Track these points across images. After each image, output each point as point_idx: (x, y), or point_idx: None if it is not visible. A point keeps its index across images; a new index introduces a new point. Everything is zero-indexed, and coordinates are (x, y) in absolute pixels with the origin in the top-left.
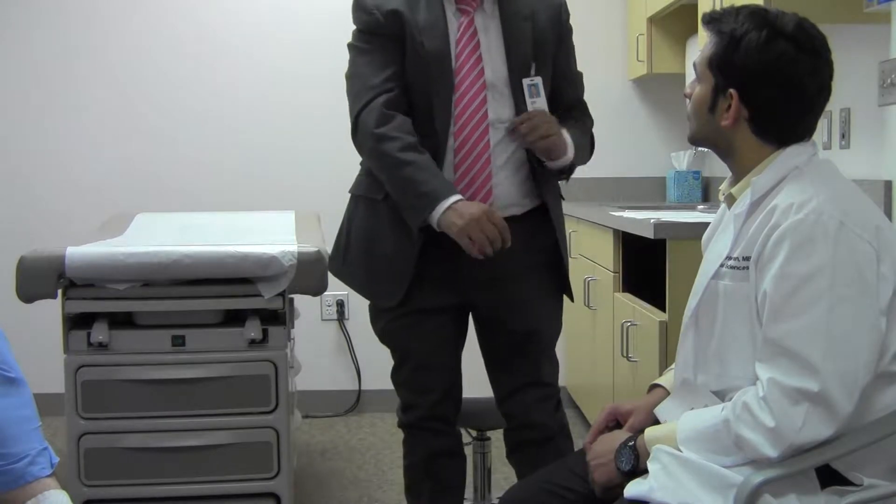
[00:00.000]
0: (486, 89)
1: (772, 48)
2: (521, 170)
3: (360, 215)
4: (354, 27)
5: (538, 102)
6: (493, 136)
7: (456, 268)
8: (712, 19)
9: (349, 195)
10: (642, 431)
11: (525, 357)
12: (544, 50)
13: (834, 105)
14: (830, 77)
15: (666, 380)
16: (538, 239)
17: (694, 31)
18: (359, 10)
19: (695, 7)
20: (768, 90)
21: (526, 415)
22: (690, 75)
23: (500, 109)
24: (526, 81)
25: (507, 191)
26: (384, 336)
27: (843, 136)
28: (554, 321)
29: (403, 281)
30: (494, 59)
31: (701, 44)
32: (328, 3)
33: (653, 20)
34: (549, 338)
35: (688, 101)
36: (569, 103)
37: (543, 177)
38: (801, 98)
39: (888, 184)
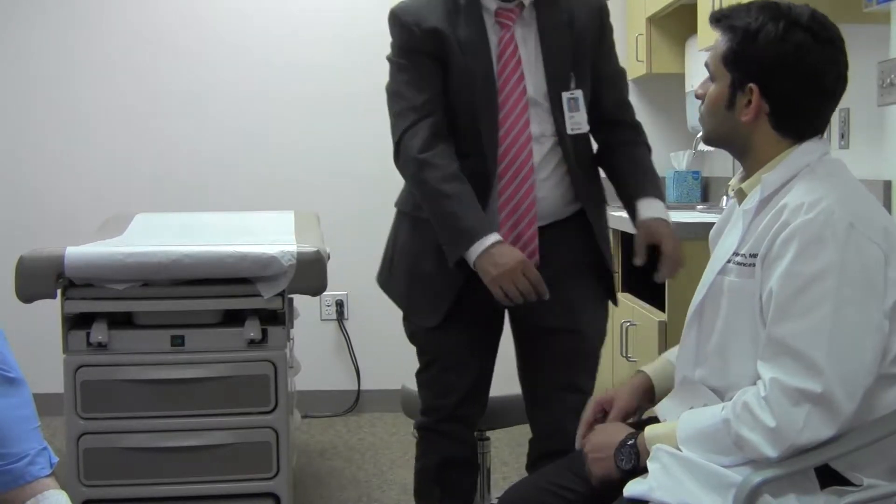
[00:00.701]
0: (528, 105)
1: (789, 39)
2: (562, 181)
3: (405, 232)
4: (392, 41)
5: (577, 117)
6: (537, 150)
7: None
8: (722, 16)
9: (395, 209)
10: (642, 430)
11: (564, 360)
12: (583, 58)
13: None
14: (846, 66)
15: (651, 367)
16: (581, 241)
17: (693, 31)
18: (396, 25)
19: (694, 7)
20: (789, 82)
21: (557, 422)
22: (690, 75)
23: (542, 124)
24: (566, 95)
25: (551, 203)
26: (414, 338)
27: (842, 136)
28: (598, 324)
29: (444, 303)
30: (534, 73)
31: (701, 44)
32: (331, 2)
33: (652, 20)
34: (593, 342)
35: (700, 102)
36: (610, 107)
37: (582, 186)
38: (821, 88)
39: (888, 184)
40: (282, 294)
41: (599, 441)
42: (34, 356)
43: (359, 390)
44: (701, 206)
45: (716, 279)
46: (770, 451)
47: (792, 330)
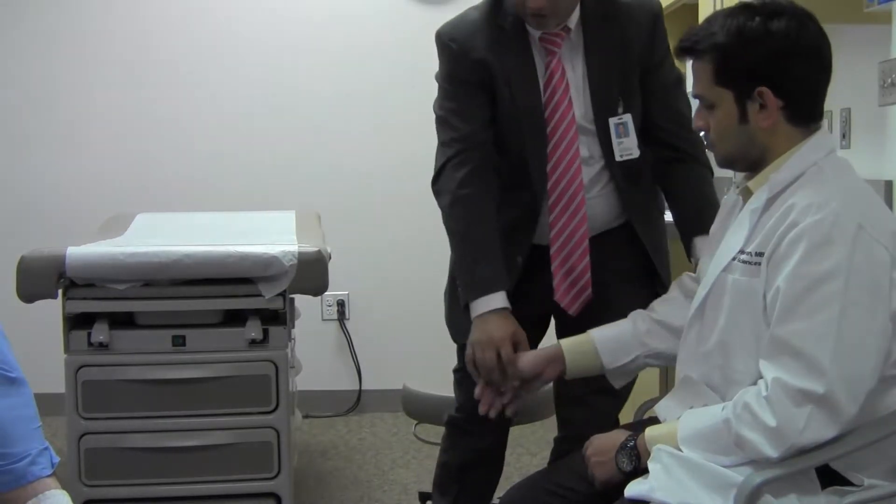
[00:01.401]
0: (578, 132)
1: (775, 28)
2: (611, 197)
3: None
4: (439, 63)
5: (626, 142)
6: (586, 172)
7: (545, 281)
8: (693, 42)
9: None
10: (643, 431)
11: None
12: (632, 76)
13: (834, 105)
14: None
15: (568, 340)
16: (629, 250)
17: None
18: (443, 51)
19: (695, 7)
20: (797, 68)
21: (584, 425)
22: (691, 75)
23: (591, 147)
24: (613, 121)
25: (599, 219)
26: (456, 332)
27: (843, 136)
28: None
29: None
30: (582, 99)
31: None
32: (331, 4)
33: None
34: None
35: (704, 133)
36: (661, 122)
37: (630, 200)
38: (823, 62)
39: (888, 184)
40: (283, 294)
41: (600, 445)
42: (35, 356)
43: (360, 390)
44: None
45: (719, 277)
46: (771, 451)
47: (797, 330)
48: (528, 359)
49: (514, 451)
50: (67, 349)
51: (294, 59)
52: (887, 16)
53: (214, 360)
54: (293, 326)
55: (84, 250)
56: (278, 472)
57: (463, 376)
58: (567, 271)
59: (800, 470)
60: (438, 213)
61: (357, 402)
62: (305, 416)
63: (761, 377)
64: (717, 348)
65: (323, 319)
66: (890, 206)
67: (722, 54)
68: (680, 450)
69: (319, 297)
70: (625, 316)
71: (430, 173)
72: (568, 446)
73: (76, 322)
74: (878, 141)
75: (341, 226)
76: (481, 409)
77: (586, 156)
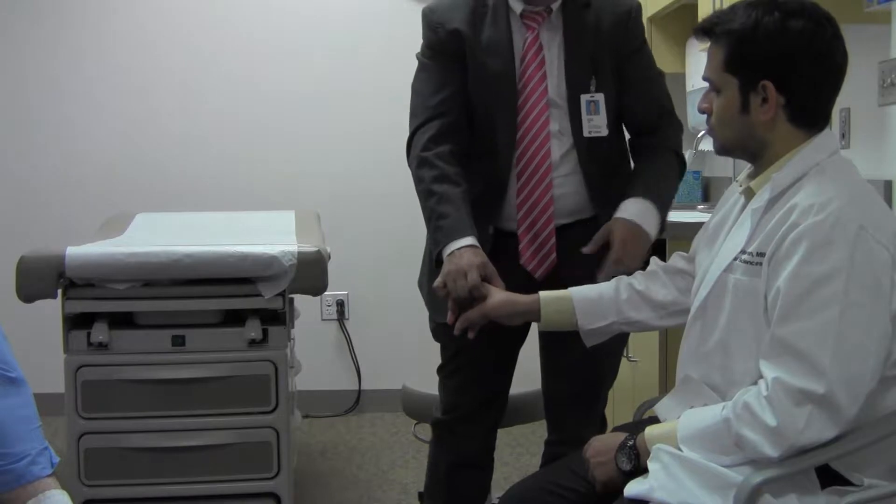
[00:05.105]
0: (549, 105)
1: (791, 27)
2: (579, 184)
3: None
4: (422, 39)
5: (596, 120)
6: (557, 147)
7: (523, 276)
8: (711, 25)
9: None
10: (642, 431)
11: (584, 363)
12: (605, 64)
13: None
14: (843, 40)
15: (546, 294)
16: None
17: None
18: (425, 25)
19: (695, 7)
20: (804, 69)
21: (571, 428)
22: (690, 75)
23: (562, 122)
24: (584, 98)
25: (570, 201)
26: (437, 333)
27: (843, 136)
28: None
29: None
30: (556, 75)
31: (702, 44)
32: (331, 3)
33: (653, 20)
34: (612, 345)
35: (707, 116)
36: (640, 112)
37: (598, 188)
38: (833, 67)
39: (888, 184)
40: (282, 294)
41: (600, 446)
42: (35, 356)
43: (359, 390)
44: (701, 206)
45: (721, 276)
46: (771, 451)
47: (798, 330)
48: (499, 303)
49: (514, 451)
50: (67, 349)
51: (294, 60)
52: (887, 16)
53: (214, 360)
54: (293, 326)
55: (84, 250)
56: (278, 472)
57: (449, 372)
58: (533, 236)
59: (800, 470)
60: None
61: (356, 402)
62: (305, 416)
63: (762, 377)
64: (717, 348)
65: (322, 319)
66: (890, 206)
67: (735, 42)
68: (680, 449)
69: (319, 297)
70: None
71: None
72: (559, 448)
73: (76, 322)
74: (877, 141)
75: (341, 226)
76: (449, 320)
77: (556, 130)
